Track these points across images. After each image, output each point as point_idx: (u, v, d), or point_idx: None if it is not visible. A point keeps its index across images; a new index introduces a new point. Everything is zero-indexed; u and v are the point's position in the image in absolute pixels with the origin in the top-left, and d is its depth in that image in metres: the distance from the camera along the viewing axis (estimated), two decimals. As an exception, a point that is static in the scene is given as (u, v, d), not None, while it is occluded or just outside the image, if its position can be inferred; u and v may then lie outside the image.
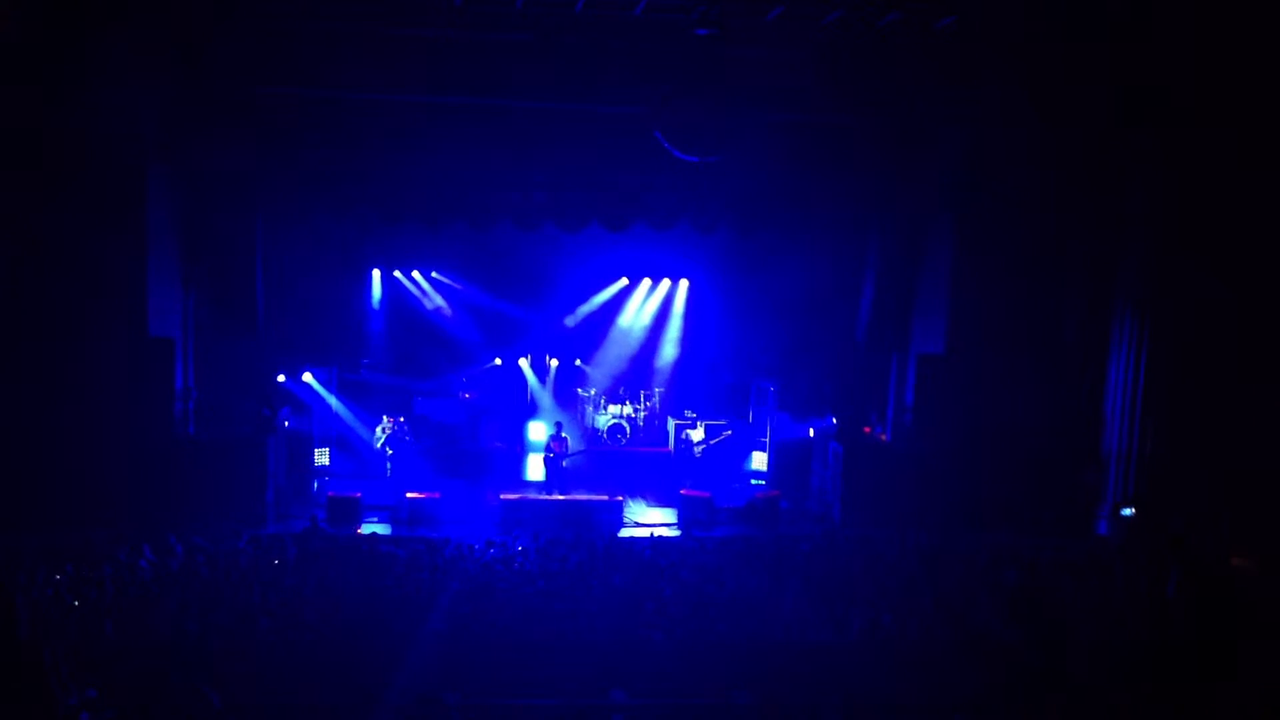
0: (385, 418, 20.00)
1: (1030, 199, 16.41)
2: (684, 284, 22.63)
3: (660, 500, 19.11)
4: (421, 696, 7.29)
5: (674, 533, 16.89)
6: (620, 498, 18.06)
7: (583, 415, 22.13)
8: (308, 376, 19.04)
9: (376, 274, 21.58)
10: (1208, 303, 15.57)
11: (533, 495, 18.35)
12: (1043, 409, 17.12)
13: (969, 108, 15.91)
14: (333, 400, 19.70)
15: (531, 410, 21.73)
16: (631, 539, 15.61)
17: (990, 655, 9.10)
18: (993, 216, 16.78)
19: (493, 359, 22.26)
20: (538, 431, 20.59)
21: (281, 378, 18.42)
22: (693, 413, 21.38)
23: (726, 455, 20.50)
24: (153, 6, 13.46)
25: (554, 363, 22.50)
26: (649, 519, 18.02)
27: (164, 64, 14.56)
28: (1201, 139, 14.88)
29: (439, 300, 21.99)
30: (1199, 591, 8.55)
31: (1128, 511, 15.05)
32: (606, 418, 21.73)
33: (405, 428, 19.86)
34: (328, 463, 19.30)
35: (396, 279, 21.76)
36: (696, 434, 20.67)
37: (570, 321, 22.41)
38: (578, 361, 22.73)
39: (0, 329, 15.22)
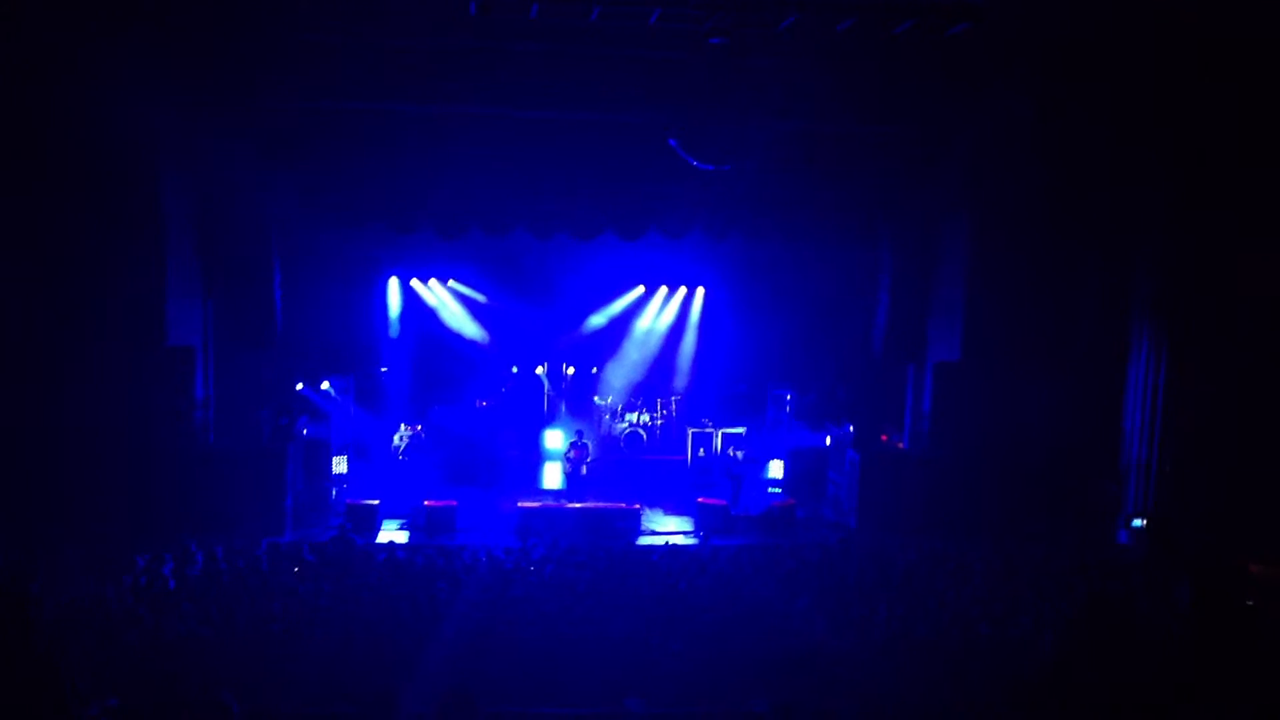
0: (403, 425, 20.07)
1: (1046, 204, 16.36)
2: (700, 292, 22.67)
3: (677, 508, 19.10)
4: (453, 694, 7.28)
5: (691, 541, 16.89)
6: (637, 506, 18.06)
7: (599, 423, 22.16)
8: (325, 385, 19.13)
9: (394, 282, 21.69)
10: (1227, 308, 15.46)
11: (550, 503, 18.37)
12: (1061, 417, 17.04)
13: (983, 112, 15.89)
14: (350, 408, 19.78)
15: (548, 418, 21.77)
16: (648, 547, 15.61)
17: (1005, 661, 9.07)
18: (1008, 222, 16.75)
19: (509, 367, 22.33)
20: (554, 439, 20.62)
21: (300, 386, 18.52)
22: (709, 421, 21.37)
23: (743, 464, 20.49)
24: (166, 15, 13.55)
25: (570, 370, 22.56)
26: (666, 527, 18.02)
27: (178, 73, 14.67)
28: (1221, 141, 14.78)
29: (458, 310, 22.09)
30: (1213, 598, 8.49)
31: (1139, 522, 14.93)
32: (623, 426, 21.76)
33: (422, 435, 19.91)
34: (345, 471, 19.37)
35: (413, 288, 21.87)
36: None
37: (583, 331, 22.46)
38: (594, 369, 22.79)
39: (19, 338, 15.35)
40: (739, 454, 20.27)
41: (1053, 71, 14.45)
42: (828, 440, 19.71)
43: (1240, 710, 7.05)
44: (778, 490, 20.27)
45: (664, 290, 22.75)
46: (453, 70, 14.89)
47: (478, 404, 21.74)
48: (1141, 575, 12.56)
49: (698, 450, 20.98)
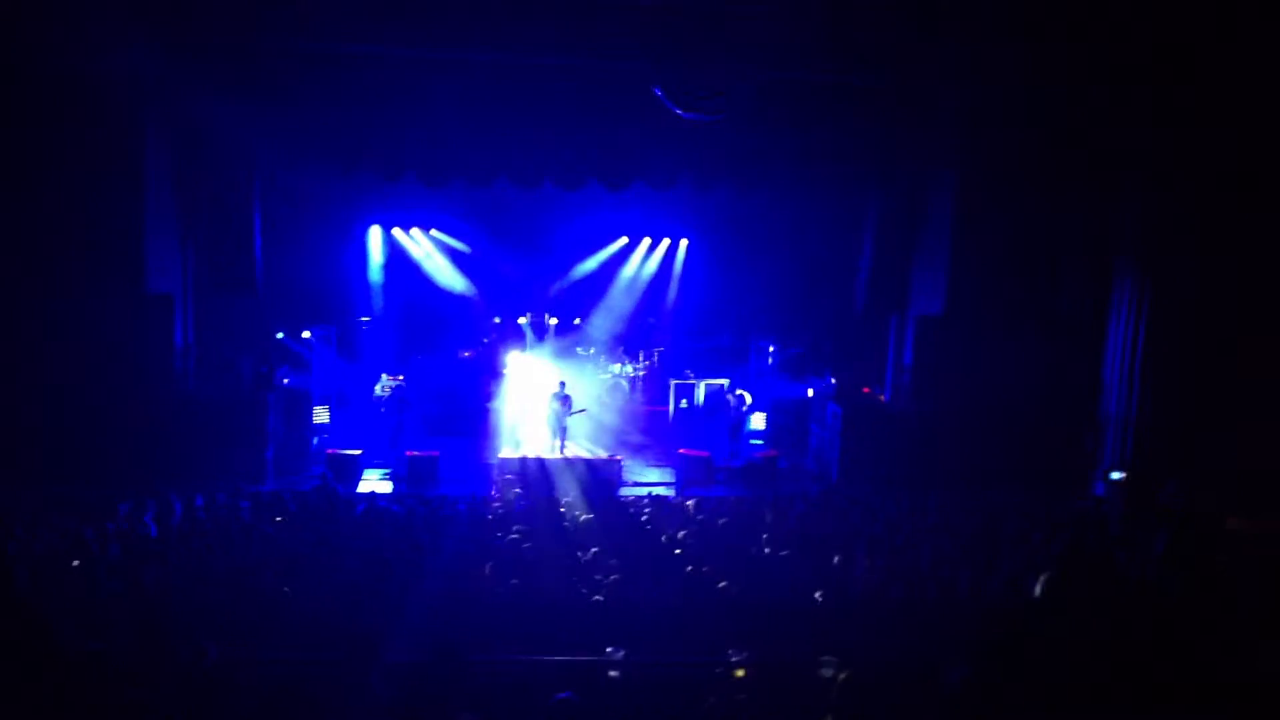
0: (384, 375, 20.00)
1: (1032, 159, 16.34)
2: (684, 243, 22.60)
3: (659, 459, 19.17)
4: (439, 644, 7.31)
5: (672, 492, 16.96)
6: (619, 456, 18.11)
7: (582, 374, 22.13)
8: (306, 334, 19.03)
9: (377, 232, 21.52)
10: (1208, 265, 15.52)
11: (531, 454, 18.39)
12: (1041, 371, 17.12)
13: (971, 66, 15.77)
14: (332, 358, 19.70)
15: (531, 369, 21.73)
16: (630, 497, 15.66)
17: (982, 614, 9.15)
18: (994, 177, 16.72)
19: (492, 317, 22.26)
20: (538, 390, 20.58)
21: (280, 335, 18.41)
22: (691, 372, 21.39)
23: (725, 415, 20.53)
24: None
25: (553, 321, 22.50)
26: (647, 478, 18.08)
27: (160, 15, 14.41)
28: (1205, 100, 14.75)
29: (441, 260, 21.97)
30: (1188, 550, 8.60)
31: (1117, 475, 15.05)
32: (606, 377, 21.76)
33: (404, 386, 19.86)
34: (327, 420, 19.33)
35: (396, 237, 21.72)
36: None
37: (563, 284, 22.36)
38: (577, 320, 22.73)
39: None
40: (744, 394, 20.15)
41: (1040, 26, 14.33)
42: (810, 392, 19.76)
43: (1210, 663, 7.13)
44: (760, 442, 20.35)
45: (648, 241, 22.66)
46: (438, 14, 14.66)
47: (461, 354, 21.68)
48: (1118, 528, 12.68)
49: (680, 401, 21.02)
